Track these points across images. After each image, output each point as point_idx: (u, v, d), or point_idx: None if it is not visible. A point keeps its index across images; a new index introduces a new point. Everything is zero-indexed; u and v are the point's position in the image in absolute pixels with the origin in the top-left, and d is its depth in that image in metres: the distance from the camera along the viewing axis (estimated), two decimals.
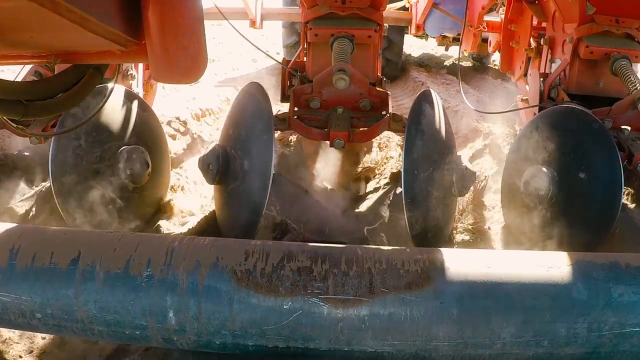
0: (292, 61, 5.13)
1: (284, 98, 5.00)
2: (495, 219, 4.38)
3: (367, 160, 5.58)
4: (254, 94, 3.86)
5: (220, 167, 3.64)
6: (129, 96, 4.09)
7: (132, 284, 2.43)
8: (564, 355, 2.49)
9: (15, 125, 2.62)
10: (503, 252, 2.67)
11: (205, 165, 3.66)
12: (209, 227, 3.96)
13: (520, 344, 2.44)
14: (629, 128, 4.00)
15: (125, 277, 2.44)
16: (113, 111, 3.89)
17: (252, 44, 5.28)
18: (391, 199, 4.62)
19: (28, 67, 4.43)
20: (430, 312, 2.41)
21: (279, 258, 2.48)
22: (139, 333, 2.46)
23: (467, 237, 4.13)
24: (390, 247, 2.72)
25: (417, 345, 2.43)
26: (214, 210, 4.11)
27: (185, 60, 1.87)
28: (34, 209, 4.14)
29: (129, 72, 4.74)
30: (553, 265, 2.52)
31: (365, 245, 2.60)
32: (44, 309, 2.45)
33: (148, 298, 2.42)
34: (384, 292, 2.41)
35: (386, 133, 5.40)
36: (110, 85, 3.10)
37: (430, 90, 3.97)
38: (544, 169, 3.63)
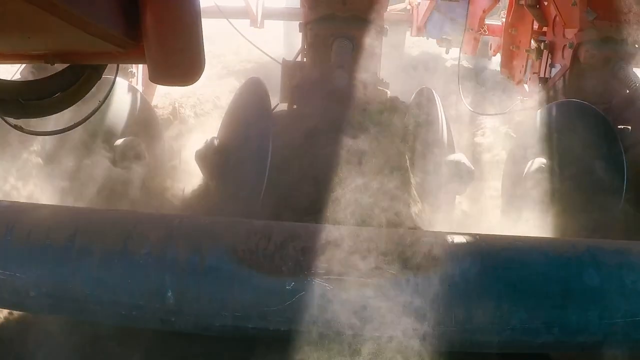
0: (292, 61, 5.10)
1: (284, 97, 4.96)
2: (494, 212, 4.35)
3: None
4: (254, 89, 3.83)
5: (217, 161, 3.59)
6: (130, 90, 4.09)
7: (130, 263, 2.35)
8: (574, 343, 2.42)
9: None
10: (513, 237, 2.62)
11: (202, 158, 3.60)
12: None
13: (530, 330, 2.37)
14: (629, 127, 3.99)
15: (123, 255, 2.36)
16: (114, 104, 3.87)
17: (253, 44, 5.30)
18: None
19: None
20: (437, 296, 2.33)
21: (282, 238, 2.40)
22: (136, 313, 2.37)
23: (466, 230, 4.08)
24: (397, 229, 2.66)
25: (423, 329, 2.35)
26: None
27: (182, 62, 1.83)
28: None
29: (129, 70, 4.73)
30: (565, 250, 2.47)
31: (371, 227, 2.53)
32: (38, 286, 2.36)
33: (146, 277, 2.34)
34: (390, 274, 2.34)
35: None
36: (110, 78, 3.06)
37: (430, 88, 3.96)
38: (547, 161, 3.62)
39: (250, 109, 3.71)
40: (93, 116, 3.48)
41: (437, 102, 3.75)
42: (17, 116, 1.99)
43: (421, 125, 3.55)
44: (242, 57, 9.21)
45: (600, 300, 2.36)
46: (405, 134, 3.56)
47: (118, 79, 3.92)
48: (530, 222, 3.62)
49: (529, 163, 3.82)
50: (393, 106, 4.09)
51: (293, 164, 3.46)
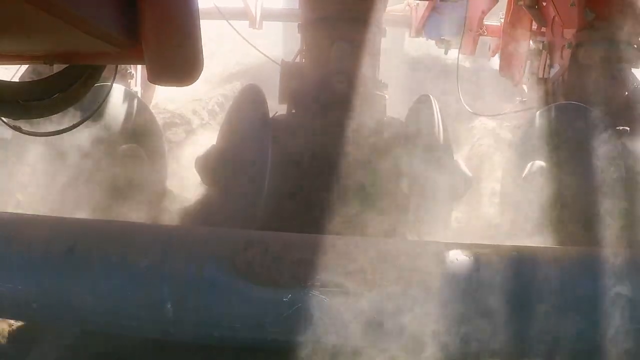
0: (291, 62, 5.10)
1: (283, 99, 4.97)
2: (492, 216, 4.36)
3: None
4: (251, 95, 3.84)
5: (217, 168, 3.60)
6: (127, 95, 4.08)
7: (129, 274, 2.38)
8: (568, 352, 2.44)
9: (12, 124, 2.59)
10: (508, 246, 2.63)
11: (202, 166, 3.62)
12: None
13: (524, 340, 2.40)
14: (627, 129, 4.00)
15: (123, 266, 2.39)
16: (111, 110, 3.86)
17: (252, 45, 5.30)
18: None
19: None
20: (431, 307, 2.36)
21: (279, 249, 2.43)
22: (136, 324, 2.40)
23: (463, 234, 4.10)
24: (392, 239, 2.68)
25: (421, 339, 2.38)
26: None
27: (180, 62, 1.84)
28: None
29: (128, 71, 4.73)
30: (558, 260, 2.48)
31: (367, 238, 2.55)
32: (39, 298, 2.40)
33: (145, 288, 2.37)
34: (385, 285, 2.37)
35: None
36: (108, 84, 3.06)
37: (428, 95, 3.97)
38: (546, 165, 3.63)
39: (249, 116, 3.72)
40: (92, 121, 3.51)
41: (434, 110, 3.75)
42: (16, 117, 2.00)
43: (418, 135, 3.56)
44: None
45: (594, 309, 2.37)
46: (401, 147, 3.57)
47: (116, 84, 3.94)
48: (528, 226, 3.63)
49: (528, 166, 3.83)
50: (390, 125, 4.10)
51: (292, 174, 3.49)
